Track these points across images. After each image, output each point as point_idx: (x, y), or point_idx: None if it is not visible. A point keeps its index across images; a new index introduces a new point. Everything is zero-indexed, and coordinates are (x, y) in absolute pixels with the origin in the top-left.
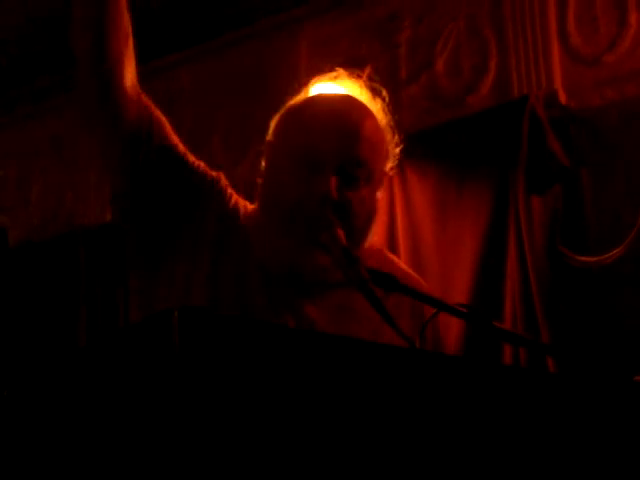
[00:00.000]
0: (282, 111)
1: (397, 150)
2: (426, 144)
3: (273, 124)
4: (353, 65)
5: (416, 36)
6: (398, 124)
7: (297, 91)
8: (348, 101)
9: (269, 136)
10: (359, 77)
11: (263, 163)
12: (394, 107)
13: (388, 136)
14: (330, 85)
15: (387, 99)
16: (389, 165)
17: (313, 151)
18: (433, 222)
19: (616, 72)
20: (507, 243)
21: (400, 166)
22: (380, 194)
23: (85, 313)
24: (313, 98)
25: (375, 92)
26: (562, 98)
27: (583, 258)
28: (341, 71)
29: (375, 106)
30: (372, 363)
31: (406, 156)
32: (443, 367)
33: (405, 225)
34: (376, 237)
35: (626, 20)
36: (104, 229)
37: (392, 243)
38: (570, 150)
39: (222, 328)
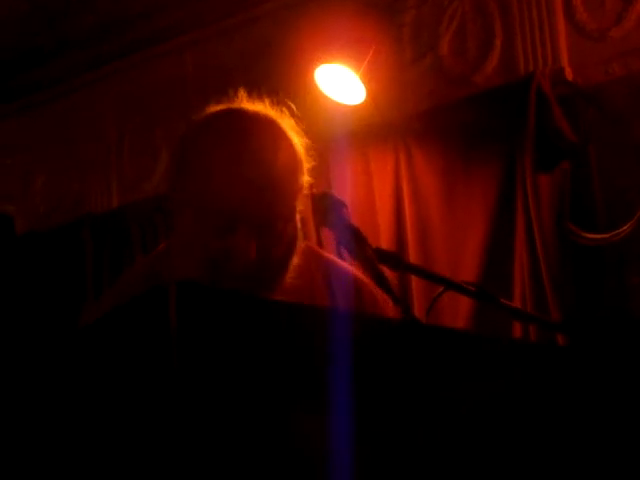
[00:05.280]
0: (181, 142)
1: (310, 165)
2: (432, 124)
3: (171, 154)
4: (357, 45)
5: (421, 15)
6: (404, 104)
7: (197, 116)
8: (252, 131)
9: (169, 172)
10: (259, 98)
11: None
12: (399, 87)
13: (300, 154)
14: (232, 110)
15: (295, 113)
16: (305, 181)
17: (217, 207)
18: (440, 202)
19: (622, 47)
20: (515, 221)
21: (406, 146)
22: (299, 212)
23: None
24: (216, 135)
25: (281, 109)
26: (568, 74)
27: (591, 235)
28: (240, 93)
29: (286, 125)
30: (379, 338)
31: (412, 136)
32: (453, 342)
33: (412, 205)
34: (383, 218)
35: None
36: (110, 216)
37: (399, 224)
38: (577, 127)
39: (220, 303)
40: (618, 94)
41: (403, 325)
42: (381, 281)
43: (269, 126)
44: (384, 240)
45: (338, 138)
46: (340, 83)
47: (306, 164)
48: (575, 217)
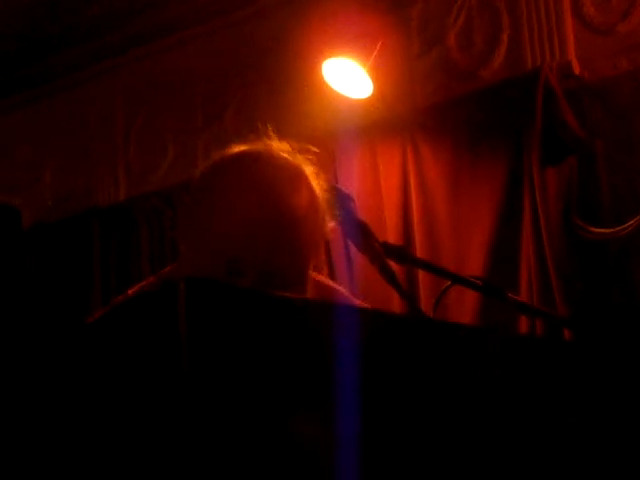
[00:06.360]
0: (201, 178)
1: (331, 222)
2: (439, 118)
3: (189, 189)
4: (364, 39)
5: (428, 9)
6: (411, 98)
7: (220, 154)
8: (272, 176)
9: (183, 204)
10: (285, 142)
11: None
12: (407, 81)
13: (322, 208)
14: (257, 150)
15: (315, 161)
16: (325, 235)
17: (226, 250)
18: (447, 196)
19: (630, 42)
20: (522, 216)
21: (413, 140)
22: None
23: (100, 295)
24: (235, 177)
25: (303, 151)
26: (575, 68)
27: (598, 230)
28: (270, 134)
29: (308, 168)
30: (386, 333)
31: (419, 130)
32: (459, 337)
33: (419, 199)
34: (390, 212)
35: None
36: (117, 209)
37: (406, 218)
38: (584, 121)
39: (229, 300)
40: (625, 88)
41: (410, 320)
42: (388, 275)
43: (292, 172)
44: (391, 234)
45: (345, 132)
46: (347, 77)
47: (327, 221)
48: (581, 211)
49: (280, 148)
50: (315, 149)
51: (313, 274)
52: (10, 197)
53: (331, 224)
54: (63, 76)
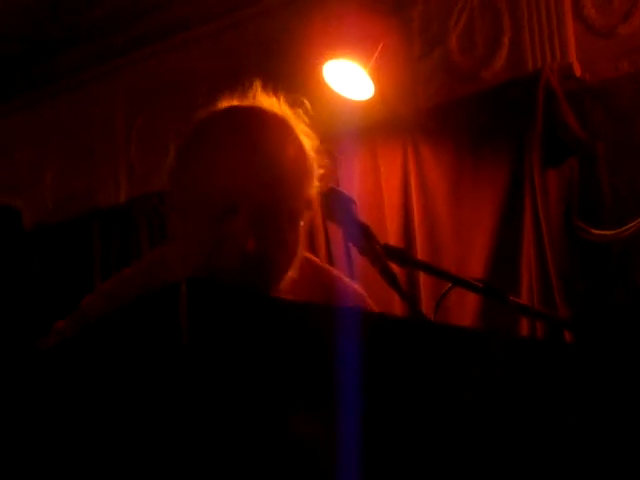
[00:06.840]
0: (188, 131)
1: (321, 170)
2: (440, 120)
3: (177, 147)
4: (365, 41)
5: (429, 10)
6: (412, 100)
7: (208, 107)
8: (261, 126)
9: (172, 161)
10: (274, 92)
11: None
12: (408, 83)
13: (310, 160)
14: (244, 101)
15: (309, 109)
16: (314, 189)
17: (219, 191)
18: (448, 197)
19: (631, 44)
20: (523, 217)
21: (414, 142)
22: (304, 222)
23: None
24: (219, 121)
25: (295, 104)
26: (577, 70)
27: (599, 231)
28: (256, 85)
29: (296, 123)
30: (387, 336)
31: (420, 132)
32: (460, 340)
33: (420, 201)
34: (391, 214)
35: None
36: (118, 210)
37: (407, 220)
38: (585, 123)
39: (231, 301)
40: (626, 90)
41: (411, 322)
42: (389, 277)
43: (280, 125)
44: (392, 236)
45: (346, 134)
46: (348, 79)
47: (316, 171)
48: (583, 213)
49: (270, 103)
50: (306, 101)
51: (312, 257)
52: (11, 198)
53: (320, 172)
54: (65, 77)
